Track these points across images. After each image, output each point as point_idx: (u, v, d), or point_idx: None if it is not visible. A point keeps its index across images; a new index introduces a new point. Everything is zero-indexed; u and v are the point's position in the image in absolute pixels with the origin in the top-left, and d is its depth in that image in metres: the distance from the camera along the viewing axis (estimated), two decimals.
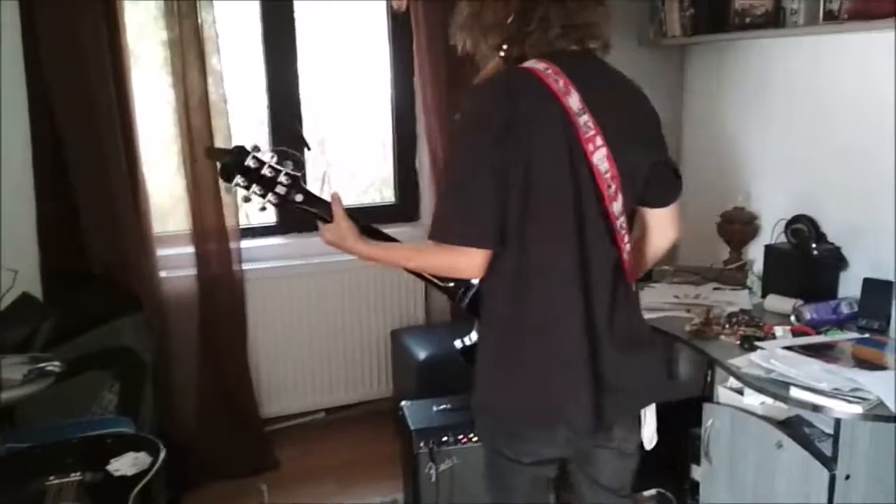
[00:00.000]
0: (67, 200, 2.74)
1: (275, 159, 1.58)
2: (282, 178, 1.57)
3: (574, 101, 1.43)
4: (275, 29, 3.21)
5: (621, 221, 1.51)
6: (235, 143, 1.61)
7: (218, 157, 1.58)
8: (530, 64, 1.46)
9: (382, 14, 3.36)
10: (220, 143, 2.94)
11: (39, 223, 2.75)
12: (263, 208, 1.60)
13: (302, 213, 1.61)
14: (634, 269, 1.61)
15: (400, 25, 3.28)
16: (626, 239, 1.53)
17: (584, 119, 1.44)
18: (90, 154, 2.72)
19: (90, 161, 2.72)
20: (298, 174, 1.60)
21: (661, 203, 1.65)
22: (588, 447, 1.62)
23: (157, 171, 3.04)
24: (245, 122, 3.20)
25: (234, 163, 1.56)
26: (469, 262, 1.46)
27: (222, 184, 1.59)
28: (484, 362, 1.58)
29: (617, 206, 1.49)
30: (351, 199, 3.59)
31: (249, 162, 1.56)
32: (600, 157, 1.45)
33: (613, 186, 1.47)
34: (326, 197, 1.61)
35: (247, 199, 1.60)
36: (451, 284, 1.70)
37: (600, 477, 1.67)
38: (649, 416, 1.66)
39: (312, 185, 1.62)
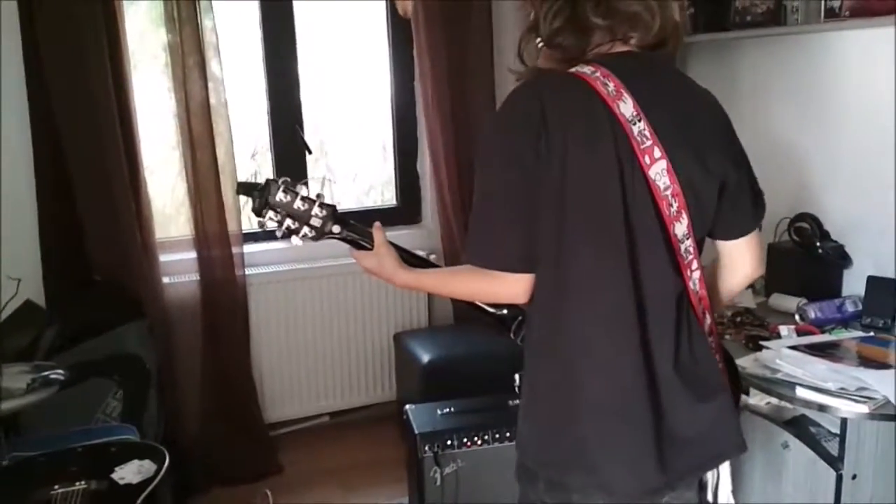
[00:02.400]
0: (69, 207, 2.75)
1: (305, 191, 1.47)
2: (315, 210, 1.46)
3: (627, 107, 1.25)
4: (275, 33, 3.21)
5: (687, 245, 1.31)
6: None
7: (247, 191, 1.48)
8: (576, 67, 1.29)
9: (382, 17, 3.36)
10: (220, 147, 2.94)
11: (42, 230, 2.76)
12: (301, 242, 1.49)
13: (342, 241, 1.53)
14: (708, 302, 1.38)
15: (400, 28, 3.28)
16: (695, 266, 1.33)
17: (640, 127, 1.25)
18: (92, 161, 2.72)
19: (92, 168, 2.73)
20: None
21: (731, 234, 1.43)
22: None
23: (158, 177, 3.04)
24: (246, 127, 3.20)
25: (265, 198, 1.44)
26: (508, 288, 1.31)
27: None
28: (523, 401, 1.40)
29: (680, 228, 1.29)
30: (352, 201, 3.59)
31: (280, 196, 1.44)
32: (659, 171, 1.26)
33: (676, 205, 1.28)
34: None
35: (285, 236, 1.48)
36: (505, 312, 1.54)
37: None
38: (723, 475, 1.44)
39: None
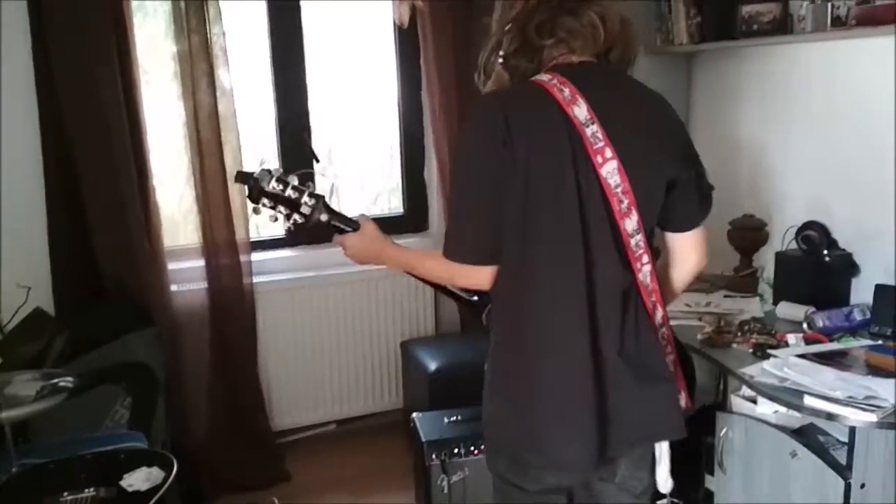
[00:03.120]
0: (79, 216, 2.76)
1: (296, 181, 1.61)
2: (305, 199, 1.61)
3: (581, 111, 1.37)
4: (283, 42, 3.22)
5: (637, 240, 1.42)
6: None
7: (244, 180, 1.63)
8: (536, 76, 1.43)
9: (389, 26, 3.38)
10: (228, 155, 2.96)
11: (51, 239, 2.76)
12: (290, 230, 1.64)
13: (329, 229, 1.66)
14: (659, 295, 1.48)
15: (407, 37, 3.30)
16: (645, 260, 1.43)
17: (593, 129, 1.37)
18: (101, 169, 2.73)
19: (101, 176, 2.74)
20: (322, 195, 1.63)
21: (680, 227, 1.55)
22: (590, 479, 1.55)
23: (166, 185, 3.05)
24: (254, 136, 3.22)
25: (260, 185, 1.60)
26: (472, 276, 1.46)
27: (250, 205, 1.64)
28: (487, 381, 1.53)
29: (630, 224, 1.40)
30: (359, 209, 3.58)
31: (273, 184, 1.60)
32: (610, 170, 1.38)
33: (626, 202, 1.39)
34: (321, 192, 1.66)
35: (274, 219, 1.65)
36: (475, 298, 1.67)
37: None
38: (664, 455, 1.55)
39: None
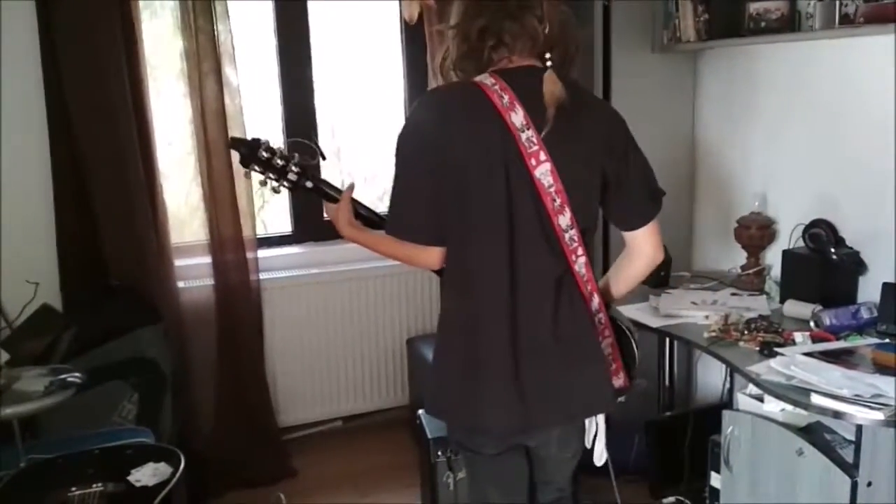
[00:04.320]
0: (86, 212, 2.77)
1: (284, 150, 1.76)
2: (292, 167, 1.75)
3: (518, 117, 1.48)
4: (289, 39, 3.23)
5: (571, 234, 1.55)
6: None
7: (237, 146, 1.77)
8: (480, 78, 1.52)
9: (396, 22, 3.38)
10: (235, 153, 2.96)
11: (59, 235, 2.78)
12: (277, 190, 1.77)
13: (315, 196, 1.80)
14: (595, 284, 1.62)
15: (413, 33, 3.30)
16: (580, 252, 1.57)
17: (528, 135, 1.49)
18: (108, 165, 2.74)
19: (108, 172, 2.75)
20: (309, 163, 1.79)
21: (630, 225, 1.66)
22: (532, 447, 1.73)
23: (173, 182, 3.06)
24: (261, 132, 3.21)
25: (251, 152, 1.73)
26: (422, 256, 1.60)
27: (241, 169, 1.79)
28: (433, 355, 1.67)
29: (563, 220, 1.53)
30: (366, 205, 3.59)
31: (263, 152, 1.73)
32: (543, 172, 1.50)
33: (559, 200, 1.51)
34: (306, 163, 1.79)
35: (263, 183, 1.77)
36: None
37: (539, 472, 1.78)
38: (600, 429, 1.70)
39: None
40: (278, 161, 1.74)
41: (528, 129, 1.49)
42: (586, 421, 1.73)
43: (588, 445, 1.76)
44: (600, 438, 1.73)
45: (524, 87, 1.50)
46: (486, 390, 1.56)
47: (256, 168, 1.75)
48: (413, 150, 1.55)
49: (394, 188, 1.58)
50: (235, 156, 2.91)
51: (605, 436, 1.73)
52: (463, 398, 1.59)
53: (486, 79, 1.51)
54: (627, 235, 1.68)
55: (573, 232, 1.55)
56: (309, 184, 1.77)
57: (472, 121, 1.50)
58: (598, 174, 1.58)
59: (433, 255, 1.60)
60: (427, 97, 1.60)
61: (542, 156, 1.49)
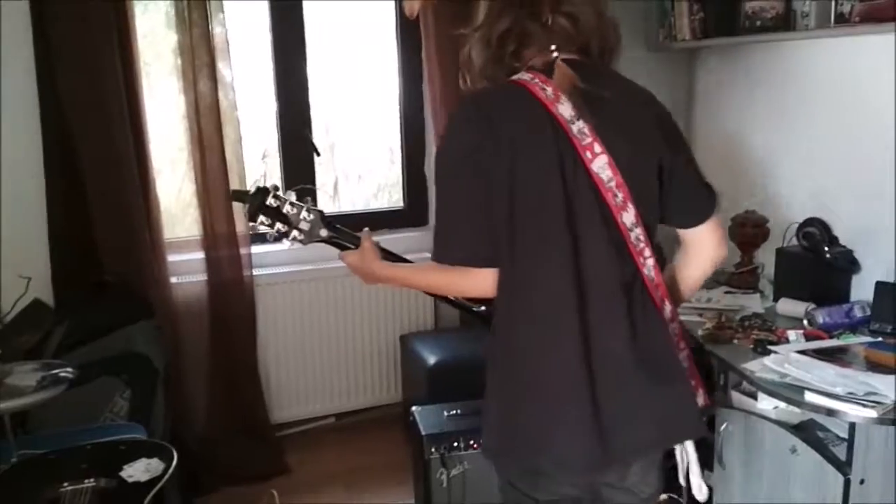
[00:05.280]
0: (79, 207, 2.75)
1: (294, 196, 1.60)
2: (303, 214, 1.60)
3: (565, 108, 1.35)
4: (284, 35, 3.22)
5: (637, 233, 1.39)
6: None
7: (240, 199, 1.61)
8: (517, 76, 1.40)
9: (391, 20, 3.37)
10: (228, 148, 2.96)
11: (51, 230, 2.76)
12: (292, 245, 1.62)
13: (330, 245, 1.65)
14: (668, 289, 1.45)
15: (409, 30, 3.29)
16: (647, 253, 1.40)
17: (579, 126, 1.34)
18: (101, 160, 2.73)
19: (102, 168, 2.73)
20: (320, 209, 1.62)
21: (688, 222, 1.50)
22: (596, 486, 1.49)
23: (166, 177, 3.05)
24: (255, 129, 3.21)
25: (257, 203, 1.58)
26: (472, 282, 1.42)
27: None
28: (488, 385, 1.49)
29: (628, 217, 1.37)
30: (359, 203, 3.60)
31: (270, 201, 1.58)
32: (600, 165, 1.35)
33: (620, 195, 1.36)
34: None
35: (276, 239, 1.61)
36: (483, 308, 1.64)
37: None
38: (691, 458, 1.50)
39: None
40: (289, 209, 1.59)
41: (578, 119, 1.34)
42: (677, 451, 1.52)
43: (682, 481, 1.54)
44: (695, 471, 1.51)
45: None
46: (559, 419, 1.37)
47: (265, 220, 1.58)
48: (458, 163, 1.38)
49: (439, 209, 1.43)
50: (229, 151, 2.95)
51: (697, 462, 1.52)
52: (529, 430, 1.40)
53: (522, 75, 1.39)
54: (687, 233, 1.52)
55: (639, 230, 1.39)
56: (324, 232, 1.61)
57: (519, 120, 1.35)
58: (655, 165, 1.42)
59: (485, 279, 1.40)
60: (466, 103, 1.43)
61: (598, 147, 1.34)
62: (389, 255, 1.63)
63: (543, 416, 1.38)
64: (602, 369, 1.36)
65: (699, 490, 1.51)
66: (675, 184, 1.45)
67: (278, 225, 1.59)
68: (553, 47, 1.40)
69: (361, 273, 1.62)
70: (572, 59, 1.41)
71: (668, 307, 1.44)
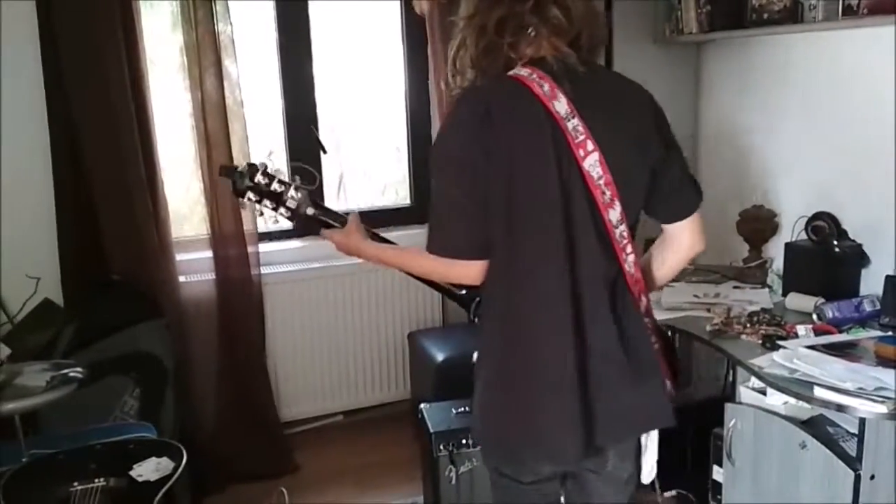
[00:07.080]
0: (87, 207, 2.76)
1: (283, 174, 1.63)
2: (291, 192, 1.63)
3: (561, 105, 1.37)
4: (290, 33, 3.22)
5: (621, 231, 1.42)
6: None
7: (229, 174, 1.64)
8: (514, 71, 1.41)
9: (397, 17, 3.37)
10: (235, 146, 2.96)
11: (59, 230, 2.77)
12: (276, 220, 1.65)
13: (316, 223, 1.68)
14: (644, 284, 1.50)
15: (415, 27, 3.29)
16: (629, 250, 1.44)
17: (574, 123, 1.37)
18: (109, 160, 2.73)
19: (109, 167, 2.74)
20: (310, 188, 1.65)
21: (675, 217, 1.53)
22: (580, 471, 1.57)
23: (173, 176, 3.05)
24: (261, 127, 3.21)
25: (244, 180, 1.62)
26: (460, 271, 1.45)
27: (238, 200, 1.66)
28: (477, 377, 1.52)
29: (614, 215, 1.41)
30: (366, 201, 3.60)
31: (258, 178, 1.61)
32: (592, 163, 1.38)
33: (608, 193, 1.39)
34: (342, 201, 1.64)
35: (261, 213, 1.68)
36: (464, 292, 1.69)
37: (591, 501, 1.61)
38: (651, 445, 1.58)
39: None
40: (276, 187, 1.62)
41: (573, 117, 1.36)
42: (642, 437, 1.59)
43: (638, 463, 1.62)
44: (651, 456, 1.59)
45: (562, 73, 1.39)
46: (553, 411, 1.42)
47: (252, 197, 1.63)
48: (454, 158, 1.41)
49: (433, 201, 1.44)
50: (236, 149, 2.95)
51: (655, 448, 1.60)
52: (522, 421, 1.45)
53: (520, 70, 1.40)
54: (669, 227, 1.55)
55: (623, 228, 1.42)
56: (310, 210, 1.64)
57: (517, 114, 1.37)
58: (647, 163, 1.45)
59: (473, 269, 1.43)
60: (465, 97, 1.44)
61: (590, 145, 1.37)
62: (377, 238, 1.67)
63: (536, 406, 1.43)
64: (593, 363, 1.42)
65: (648, 473, 1.59)
66: (664, 180, 1.49)
67: (266, 201, 1.63)
68: (547, 38, 1.41)
69: (346, 250, 1.66)
70: (566, 53, 1.42)
71: (644, 301, 1.50)
